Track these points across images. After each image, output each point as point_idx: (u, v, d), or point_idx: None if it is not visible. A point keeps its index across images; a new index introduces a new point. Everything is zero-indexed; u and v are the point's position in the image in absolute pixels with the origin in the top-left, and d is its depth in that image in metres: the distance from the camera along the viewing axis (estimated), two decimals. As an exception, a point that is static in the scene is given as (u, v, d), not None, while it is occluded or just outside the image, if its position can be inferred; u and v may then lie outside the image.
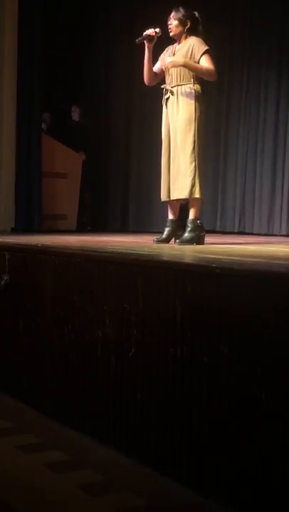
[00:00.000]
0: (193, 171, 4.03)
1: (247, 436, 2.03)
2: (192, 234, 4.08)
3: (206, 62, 4.04)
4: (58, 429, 2.87)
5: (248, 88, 6.84)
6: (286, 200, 6.45)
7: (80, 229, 6.95)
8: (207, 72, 4.05)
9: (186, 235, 4.08)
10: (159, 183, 4.23)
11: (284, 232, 6.41)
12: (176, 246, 3.98)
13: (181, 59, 4.05)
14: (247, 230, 6.78)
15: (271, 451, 1.95)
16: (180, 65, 4.04)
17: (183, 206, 4.31)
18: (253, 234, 6.59)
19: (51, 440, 2.71)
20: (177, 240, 4.10)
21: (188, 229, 4.10)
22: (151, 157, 6.32)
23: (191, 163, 4.03)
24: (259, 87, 6.72)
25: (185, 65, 4.03)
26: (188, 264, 2.50)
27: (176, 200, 4.18)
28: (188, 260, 2.72)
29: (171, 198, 4.16)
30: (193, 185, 4.04)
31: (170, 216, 4.28)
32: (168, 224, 4.26)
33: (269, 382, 1.96)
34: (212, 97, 5.95)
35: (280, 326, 1.95)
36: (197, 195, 4.06)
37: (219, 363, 2.13)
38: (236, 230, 6.84)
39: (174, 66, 4.06)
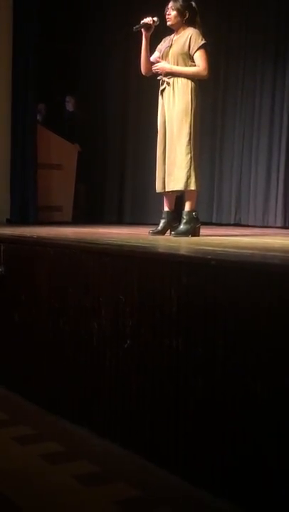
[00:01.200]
0: (188, 163, 4.03)
1: (242, 428, 2.04)
2: (187, 226, 4.08)
3: (199, 59, 4.06)
4: (53, 420, 2.88)
5: (244, 81, 6.83)
6: (281, 192, 6.45)
7: (76, 220, 6.94)
8: (196, 75, 4.07)
9: (182, 226, 4.08)
10: (155, 175, 4.23)
11: (279, 224, 6.42)
12: (172, 238, 3.98)
13: (166, 66, 4.10)
14: (243, 222, 6.79)
15: (266, 442, 1.96)
16: (166, 72, 4.07)
17: (178, 198, 4.30)
18: (248, 226, 6.59)
19: (47, 431, 2.72)
20: (172, 232, 4.10)
21: (184, 221, 4.10)
22: (147, 148, 6.30)
23: (186, 154, 4.03)
24: (255, 80, 6.71)
25: (172, 72, 4.06)
26: (183, 256, 2.50)
27: (172, 191, 4.17)
28: (183, 252, 2.72)
29: (167, 190, 4.15)
30: (188, 177, 4.04)
31: (165, 208, 4.27)
32: (163, 216, 4.25)
33: (264, 374, 1.97)
34: (208, 90, 5.94)
35: (275, 318, 1.95)
36: (192, 187, 4.06)
37: (214, 354, 2.14)
38: (232, 222, 6.85)
39: (162, 71, 4.08)
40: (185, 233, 4.05)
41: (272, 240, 4.15)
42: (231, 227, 6.54)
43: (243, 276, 2.08)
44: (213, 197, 7.04)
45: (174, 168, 4.06)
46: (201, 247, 3.02)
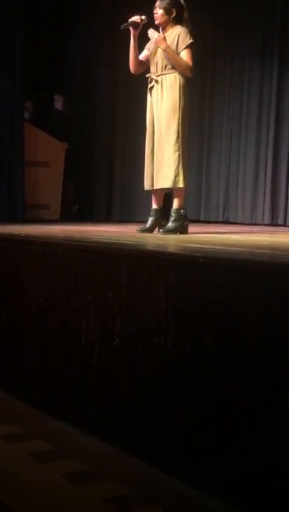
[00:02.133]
0: (177, 160, 4.03)
1: (231, 426, 2.05)
2: (176, 223, 4.08)
3: (185, 57, 4.05)
4: (42, 419, 2.87)
5: (231, 78, 6.84)
6: (269, 189, 6.47)
7: (64, 218, 6.93)
8: (184, 66, 4.05)
9: (170, 224, 4.08)
10: (144, 173, 4.23)
11: (267, 222, 6.44)
12: (160, 235, 3.98)
13: (164, 42, 4.02)
14: (231, 220, 6.80)
15: (254, 440, 1.96)
16: (162, 47, 4.02)
17: (166, 195, 4.30)
18: (236, 223, 6.61)
19: (35, 430, 2.71)
20: (161, 230, 4.10)
21: (172, 218, 4.10)
22: (136, 146, 6.30)
23: (175, 152, 4.03)
24: (242, 77, 6.72)
25: (166, 50, 4.01)
26: (171, 254, 2.50)
27: (160, 189, 4.17)
28: (171, 250, 2.72)
29: (155, 188, 4.15)
30: (177, 175, 4.04)
31: (154, 205, 4.27)
32: (151, 213, 4.26)
33: (252, 372, 1.97)
34: (195, 87, 5.94)
35: (263, 315, 1.96)
36: (181, 184, 4.06)
37: (203, 352, 2.14)
38: (220, 220, 6.86)
39: (158, 43, 4.05)
40: (173, 231, 4.05)
41: (260, 237, 4.16)
42: (219, 224, 6.55)
43: (231, 274, 2.08)
44: (201, 194, 7.05)
45: (163, 165, 4.07)
46: (190, 245, 3.02)
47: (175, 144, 4.03)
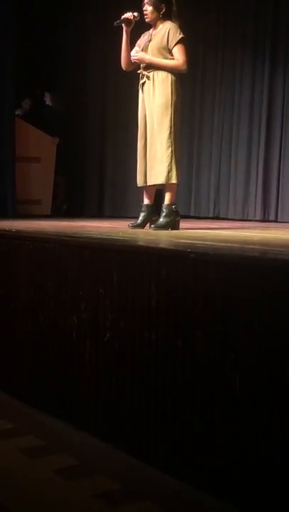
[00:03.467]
0: (170, 156, 4.04)
1: (222, 422, 2.05)
2: (167, 219, 4.08)
3: (178, 53, 4.05)
4: (33, 414, 2.87)
5: (222, 74, 6.83)
6: (260, 185, 6.48)
7: (55, 213, 6.91)
8: (175, 68, 4.07)
9: (162, 220, 4.09)
10: (135, 168, 4.22)
11: (258, 218, 6.44)
12: (152, 231, 3.98)
13: (146, 56, 4.08)
14: (222, 215, 6.81)
15: (245, 435, 1.97)
16: (146, 62, 4.05)
17: (158, 191, 4.31)
18: (227, 219, 6.61)
19: (26, 426, 2.71)
20: (152, 225, 4.10)
21: (164, 214, 4.10)
22: (127, 142, 6.29)
23: (167, 148, 4.04)
24: (234, 72, 6.72)
25: (150, 63, 4.05)
26: (162, 249, 2.51)
27: (153, 185, 4.17)
28: (163, 245, 2.72)
29: (148, 184, 4.16)
30: (170, 171, 4.05)
31: (145, 201, 4.27)
32: (143, 209, 4.25)
33: (243, 367, 1.98)
34: (186, 82, 5.94)
35: (254, 311, 1.96)
36: (174, 180, 4.07)
37: (194, 347, 2.15)
38: (211, 215, 6.86)
39: (140, 62, 4.08)
40: (165, 226, 4.05)
41: (251, 233, 4.16)
42: (210, 220, 6.55)
43: (222, 270, 2.09)
44: (192, 190, 7.04)
45: (156, 162, 4.07)
46: (181, 241, 3.02)
47: (168, 139, 4.04)
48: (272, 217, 6.42)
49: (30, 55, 7.40)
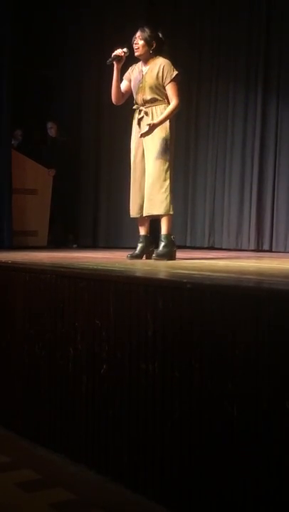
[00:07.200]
0: (168, 188, 4.11)
1: (221, 451, 2.04)
2: (166, 249, 4.12)
3: (170, 91, 4.10)
4: (29, 447, 2.84)
5: (216, 106, 6.93)
6: (254, 215, 6.52)
7: (51, 245, 6.92)
8: (174, 111, 4.12)
9: (162, 249, 4.12)
10: (129, 200, 4.27)
11: (252, 247, 6.47)
12: (150, 261, 4.01)
13: (155, 123, 4.04)
14: (216, 245, 6.84)
15: (243, 464, 1.96)
16: (154, 124, 4.05)
17: (152, 222, 4.34)
18: (222, 249, 6.64)
19: (22, 459, 2.68)
20: (154, 255, 4.12)
21: (163, 243, 4.13)
22: (121, 174, 6.33)
23: (165, 180, 4.11)
24: (227, 105, 6.81)
25: (160, 124, 4.05)
26: (159, 280, 2.51)
27: (148, 216, 4.21)
28: (159, 276, 2.73)
29: (145, 214, 4.19)
30: (167, 202, 4.11)
31: (142, 232, 4.31)
32: (141, 240, 4.29)
33: (240, 397, 1.97)
34: (181, 117, 6.02)
35: (250, 341, 1.96)
36: (171, 211, 4.14)
37: (191, 378, 2.14)
38: (206, 245, 6.89)
39: (151, 132, 4.06)
40: (166, 255, 4.09)
41: (246, 263, 4.18)
42: (205, 250, 6.57)
43: (218, 300, 2.09)
44: (187, 220, 7.09)
45: (154, 193, 4.11)
46: (177, 271, 3.03)
47: (166, 172, 4.11)
48: (266, 246, 6.45)
49: (24, 87, 7.49)
